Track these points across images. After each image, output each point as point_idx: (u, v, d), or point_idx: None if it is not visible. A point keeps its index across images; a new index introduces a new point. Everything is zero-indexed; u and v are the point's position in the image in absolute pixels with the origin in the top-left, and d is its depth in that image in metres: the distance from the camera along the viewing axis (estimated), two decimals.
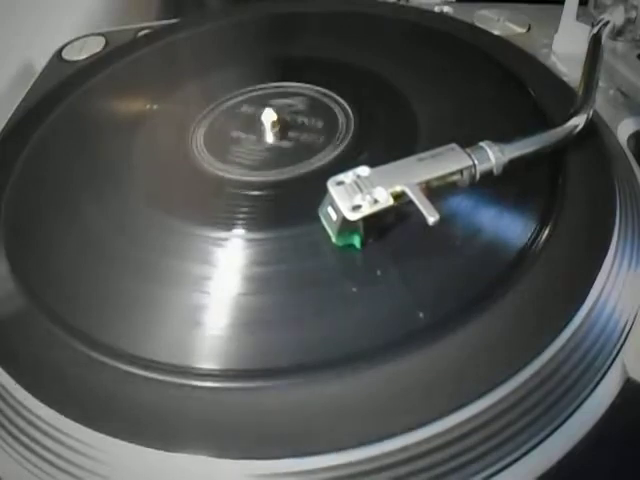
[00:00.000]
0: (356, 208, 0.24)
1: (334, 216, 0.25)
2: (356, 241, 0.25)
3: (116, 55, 0.41)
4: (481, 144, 0.26)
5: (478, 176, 0.26)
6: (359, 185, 0.25)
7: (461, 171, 0.26)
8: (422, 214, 0.23)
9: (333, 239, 0.25)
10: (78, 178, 0.32)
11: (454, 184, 0.26)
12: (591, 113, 0.29)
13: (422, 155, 0.26)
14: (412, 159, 0.26)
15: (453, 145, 0.26)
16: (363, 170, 0.25)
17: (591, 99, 0.29)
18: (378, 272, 0.25)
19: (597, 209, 0.27)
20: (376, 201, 0.24)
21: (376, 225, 0.25)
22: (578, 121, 0.28)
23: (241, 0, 0.55)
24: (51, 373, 0.23)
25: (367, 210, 0.24)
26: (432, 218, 0.23)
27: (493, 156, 0.26)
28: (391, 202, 0.24)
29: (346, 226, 0.25)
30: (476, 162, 0.25)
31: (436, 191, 0.25)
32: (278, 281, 0.25)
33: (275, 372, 0.22)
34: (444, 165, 0.25)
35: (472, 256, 0.25)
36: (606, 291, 0.24)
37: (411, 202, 0.24)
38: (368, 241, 0.25)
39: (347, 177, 0.25)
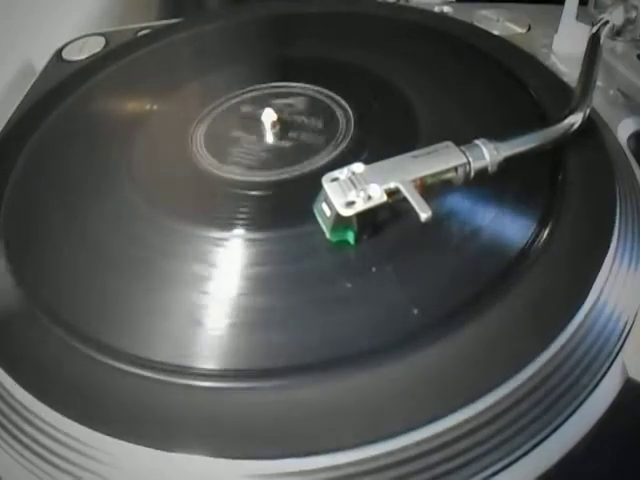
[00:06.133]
0: (350, 204, 0.24)
1: (328, 212, 0.25)
2: (350, 237, 0.25)
3: (116, 55, 0.41)
4: (476, 142, 0.26)
5: (473, 174, 0.26)
6: (353, 182, 0.25)
7: (455, 168, 0.26)
8: (415, 211, 0.23)
9: (327, 235, 0.25)
10: (78, 178, 0.32)
11: (449, 181, 0.26)
12: (588, 111, 0.28)
13: (417, 152, 0.26)
14: (407, 156, 0.26)
15: (448, 142, 0.26)
16: (357, 167, 0.25)
17: (588, 97, 0.29)
18: (377, 273, 0.25)
19: (597, 209, 0.27)
20: (370, 197, 0.24)
21: (371, 222, 0.25)
22: (575, 119, 0.28)
23: (241, 0, 0.55)
24: (50, 372, 0.23)
25: (361, 206, 0.24)
26: (424, 215, 0.23)
27: (488, 154, 0.26)
28: (385, 199, 0.24)
29: (340, 222, 0.25)
30: (470, 160, 0.26)
31: (432, 189, 0.25)
32: (278, 281, 0.25)
33: (275, 372, 0.22)
34: (438, 162, 0.25)
35: (471, 255, 0.25)
36: (606, 291, 0.24)
37: (405, 199, 0.24)
38: (362, 237, 0.25)
39: (342, 174, 0.25)
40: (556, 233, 0.25)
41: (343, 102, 0.33)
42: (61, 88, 0.39)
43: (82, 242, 0.28)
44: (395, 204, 0.25)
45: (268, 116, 0.32)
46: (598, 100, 0.34)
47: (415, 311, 0.23)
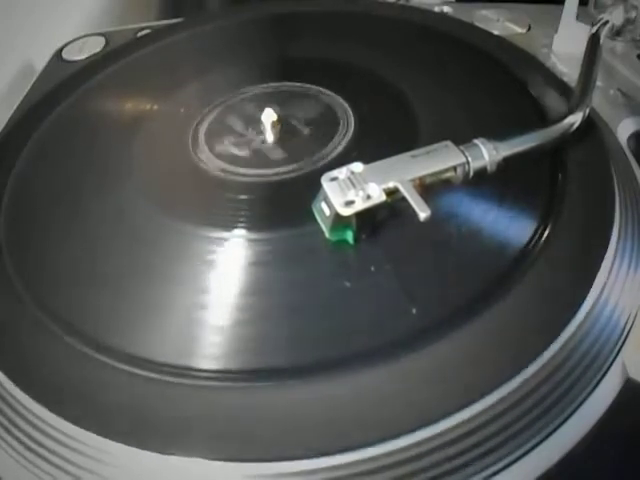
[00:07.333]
0: (349, 204, 0.24)
1: (327, 211, 0.25)
2: (349, 236, 0.25)
3: (116, 55, 0.41)
4: (475, 141, 0.26)
5: (472, 173, 0.26)
6: (352, 181, 0.25)
7: (454, 168, 0.26)
8: (414, 210, 0.23)
9: (326, 234, 0.25)
10: (78, 178, 0.32)
11: (448, 181, 0.26)
12: (587, 111, 0.28)
13: (416, 152, 0.26)
14: (406, 156, 0.26)
15: (447, 142, 0.26)
16: (357, 166, 0.25)
17: (588, 97, 0.29)
18: (376, 273, 0.25)
19: (597, 209, 0.27)
20: (369, 197, 0.24)
21: (370, 221, 0.25)
22: (574, 119, 0.28)
23: (241, 0, 0.55)
24: (50, 373, 0.23)
25: (360, 206, 0.24)
26: (423, 214, 0.23)
27: (487, 154, 0.26)
28: (384, 198, 0.24)
29: (339, 221, 0.25)
30: (469, 159, 0.26)
31: (431, 188, 0.25)
32: (277, 281, 0.25)
33: (274, 372, 0.22)
34: (437, 162, 0.25)
35: (470, 256, 0.25)
36: (606, 291, 0.24)
37: (404, 199, 0.24)
38: (362, 237, 0.25)
39: (341, 173, 0.25)
40: (556, 233, 0.25)
41: (343, 102, 0.33)
42: (61, 88, 0.39)
43: (82, 242, 0.28)
44: (394, 204, 0.25)
45: (268, 116, 0.32)
46: (598, 100, 0.34)
47: (414, 310, 0.23)
